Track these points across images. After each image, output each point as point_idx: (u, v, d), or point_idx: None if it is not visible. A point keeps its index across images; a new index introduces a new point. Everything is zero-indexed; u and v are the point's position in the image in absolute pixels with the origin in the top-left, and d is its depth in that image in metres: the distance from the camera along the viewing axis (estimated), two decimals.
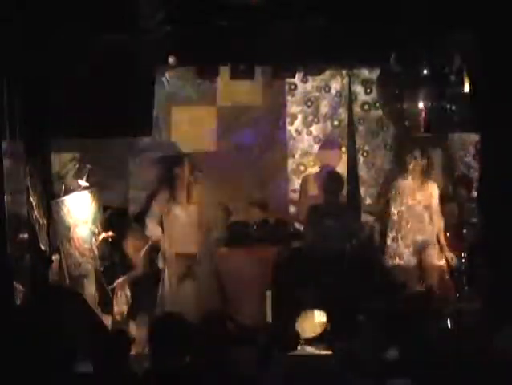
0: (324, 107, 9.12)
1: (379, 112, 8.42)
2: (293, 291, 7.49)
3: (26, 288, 6.46)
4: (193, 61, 7.53)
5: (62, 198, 7.36)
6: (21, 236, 6.69)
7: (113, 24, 6.60)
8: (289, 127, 9.09)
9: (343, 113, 8.98)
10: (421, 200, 7.10)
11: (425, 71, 7.01)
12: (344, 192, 8.19)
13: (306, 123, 9.10)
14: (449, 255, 7.53)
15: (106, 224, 7.71)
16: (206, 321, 4.94)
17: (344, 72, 8.88)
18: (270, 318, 7.69)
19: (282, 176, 9.09)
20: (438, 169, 7.58)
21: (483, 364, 4.40)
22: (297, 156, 9.12)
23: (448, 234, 7.37)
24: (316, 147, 9.06)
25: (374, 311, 7.23)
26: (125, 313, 7.49)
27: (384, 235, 7.56)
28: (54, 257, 7.31)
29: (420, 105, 7.07)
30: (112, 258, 7.69)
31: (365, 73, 8.92)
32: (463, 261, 7.56)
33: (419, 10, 6.72)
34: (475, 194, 8.07)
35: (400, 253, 7.10)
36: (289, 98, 9.06)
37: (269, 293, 8.00)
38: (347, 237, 7.73)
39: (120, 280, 7.49)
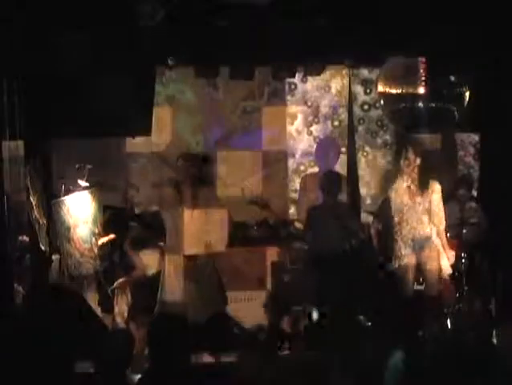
0: (324, 107, 9.12)
1: (379, 112, 8.42)
2: (293, 291, 7.49)
3: (26, 288, 6.47)
4: (193, 61, 7.53)
5: (62, 198, 7.36)
6: (21, 236, 6.70)
7: (113, 24, 6.61)
8: (289, 127, 9.09)
9: (343, 113, 8.98)
10: (420, 200, 7.08)
11: (425, 72, 7.01)
12: (344, 192, 8.19)
13: (307, 123, 9.10)
14: (449, 255, 7.53)
15: (106, 224, 7.71)
16: (206, 321, 4.95)
17: (344, 72, 8.88)
18: (270, 319, 7.69)
19: (282, 175, 9.09)
20: (438, 169, 7.57)
21: (483, 364, 4.40)
22: (297, 156, 9.12)
23: (448, 234, 7.36)
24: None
25: (374, 311, 7.24)
26: (126, 313, 7.48)
27: (383, 235, 7.55)
28: (54, 257, 7.31)
29: (420, 105, 7.07)
30: (112, 258, 7.68)
31: (365, 73, 8.92)
32: (463, 261, 7.56)
33: (419, 9, 6.72)
34: (475, 194, 8.08)
35: (400, 254, 7.09)
36: (289, 98, 9.06)
37: (269, 293, 8.02)
38: (346, 237, 7.72)
39: (121, 281, 7.49)
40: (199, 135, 8.91)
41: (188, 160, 6.95)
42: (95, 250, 7.55)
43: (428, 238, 7.08)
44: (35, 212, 6.99)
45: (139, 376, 4.53)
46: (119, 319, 7.44)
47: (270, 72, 8.20)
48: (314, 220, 7.76)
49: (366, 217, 8.43)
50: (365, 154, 9.07)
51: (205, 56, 7.26)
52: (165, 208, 7.00)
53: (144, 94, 7.27)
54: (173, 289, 7.02)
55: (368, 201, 8.89)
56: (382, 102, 7.60)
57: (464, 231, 7.50)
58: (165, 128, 8.84)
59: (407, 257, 7.07)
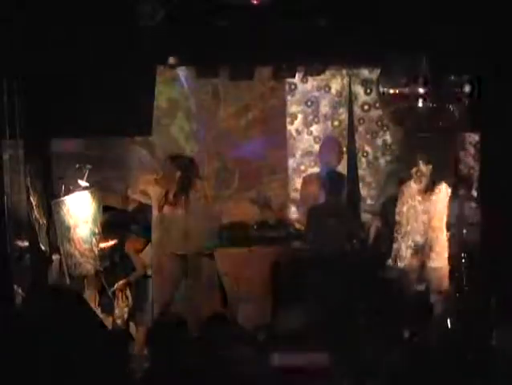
0: (324, 107, 9.12)
1: (379, 112, 8.43)
2: (293, 291, 7.49)
3: (26, 288, 6.47)
4: (193, 61, 7.53)
5: (62, 198, 7.36)
6: (21, 236, 6.69)
7: (113, 24, 6.60)
8: (289, 127, 9.09)
9: (343, 113, 8.99)
10: (426, 202, 7.09)
11: (425, 71, 7.00)
12: (345, 192, 8.20)
13: (307, 123, 9.10)
14: (449, 255, 7.53)
15: (106, 225, 7.71)
16: (206, 321, 4.95)
17: (344, 72, 8.89)
18: (270, 319, 7.68)
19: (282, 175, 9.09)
20: (444, 171, 7.58)
21: (483, 364, 4.40)
22: (297, 156, 9.12)
23: (448, 234, 7.36)
24: (317, 146, 9.07)
25: (374, 311, 7.24)
26: (126, 314, 7.48)
27: (384, 235, 7.55)
28: (54, 257, 7.31)
29: (421, 105, 7.07)
30: (112, 259, 7.69)
31: (365, 73, 8.92)
32: (463, 261, 7.56)
33: (419, 9, 6.72)
34: (475, 194, 8.07)
35: (401, 254, 7.10)
36: (289, 98, 9.07)
37: (269, 293, 8.01)
38: (347, 237, 7.73)
39: (121, 282, 7.49)
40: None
41: (176, 161, 7.05)
42: (95, 250, 7.55)
43: (429, 239, 7.09)
44: (35, 212, 6.99)
45: (139, 376, 4.53)
46: (119, 320, 7.45)
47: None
48: (315, 219, 7.77)
49: (366, 217, 8.44)
50: (365, 154, 9.07)
51: (205, 56, 7.26)
52: (154, 207, 7.06)
53: (144, 94, 7.26)
54: (173, 289, 7.02)
55: (368, 201, 8.89)
56: (382, 102, 7.60)
57: (464, 231, 7.50)
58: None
59: (408, 258, 7.09)
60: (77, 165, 7.59)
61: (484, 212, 7.63)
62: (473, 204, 7.87)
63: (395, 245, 7.13)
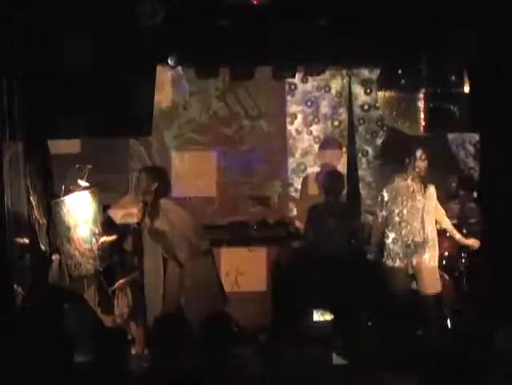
0: (324, 107, 9.12)
1: (379, 112, 8.43)
2: (293, 291, 7.49)
3: (26, 288, 6.47)
4: (193, 61, 7.53)
5: (62, 198, 7.36)
6: (21, 236, 6.69)
7: (113, 24, 6.60)
8: (289, 127, 9.09)
9: (343, 113, 8.99)
10: (422, 200, 7.09)
11: (425, 71, 7.01)
12: (345, 191, 8.21)
13: (307, 123, 9.10)
14: (449, 255, 7.53)
15: (106, 224, 7.70)
16: (206, 321, 4.94)
17: (344, 72, 8.89)
18: (269, 318, 7.69)
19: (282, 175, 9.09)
20: (438, 169, 7.58)
21: (483, 364, 4.40)
22: (297, 156, 9.12)
23: (448, 234, 7.36)
24: (316, 146, 9.07)
25: (373, 311, 7.24)
26: (126, 314, 7.48)
27: (384, 235, 7.54)
28: (54, 257, 7.30)
29: (420, 105, 7.07)
30: (112, 258, 7.68)
31: (365, 73, 8.92)
32: (463, 261, 7.56)
33: (419, 9, 6.72)
34: (475, 194, 8.08)
35: (400, 254, 7.09)
36: (289, 98, 9.07)
37: (268, 293, 8.02)
38: (347, 236, 7.73)
39: (121, 281, 7.48)
40: None
41: (152, 173, 7.13)
42: (95, 250, 7.55)
43: (428, 238, 7.09)
44: (35, 212, 6.99)
45: (139, 376, 4.53)
46: (119, 319, 7.44)
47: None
48: (315, 219, 7.77)
49: (366, 217, 8.44)
50: (365, 154, 9.07)
51: (205, 56, 7.26)
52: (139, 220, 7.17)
53: (144, 94, 7.26)
54: (173, 289, 7.02)
55: (368, 201, 8.89)
56: (382, 102, 7.60)
57: (464, 231, 7.50)
58: None
59: (408, 257, 7.08)
60: (77, 165, 7.59)
61: (484, 212, 7.64)
62: (473, 204, 7.87)
63: (394, 245, 7.13)
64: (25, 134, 6.70)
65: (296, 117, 9.10)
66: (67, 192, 7.43)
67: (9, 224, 6.18)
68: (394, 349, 4.66)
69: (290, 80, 8.80)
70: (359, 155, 8.92)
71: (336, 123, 9.10)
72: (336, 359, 5.76)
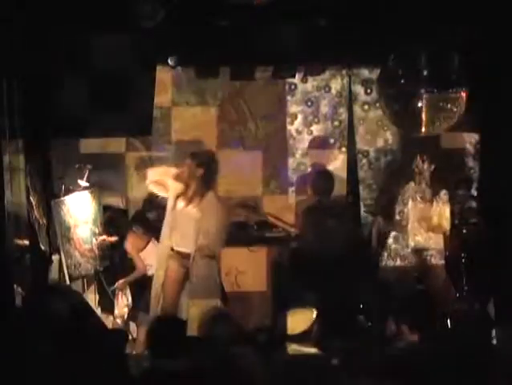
0: (324, 107, 9.11)
1: (380, 112, 8.42)
2: (292, 291, 7.49)
3: (26, 288, 6.47)
4: (193, 61, 7.53)
5: (62, 198, 7.37)
6: (21, 236, 6.70)
7: (113, 24, 6.61)
8: (289, 127, 9.08)
9: (343, 113, 8.98)
10: (424, 201, 7.10)
11: (425, 71, 7.01)
12: (342, 191, 8.21)
13: (307, 123, 9.09)
14: (449, 255, 7.53)
15: (106, 224, 7.71)
16: (206, 321, 4.95)
17: (344, 72, 8.88)
18: (269, 318, 7.68)
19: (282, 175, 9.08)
20: (438, 170, 7.58)
21: (483, 364, 4.40)
22: (297, 156, 9.11)
23: (448, 234, 7.36)
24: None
25: (373, 311, 7.24)
26: (126, 314, 7.49)
27: (385, 235, 7.55)
28: (54, 257, 7.32)
29: (420, 105, 7.07)
30: (113, 259, 7.69)
31: (365, 73, 8.91)
32: (463, 261, 7.56)
33: (419, 9, 6.73)
34: (475, 194, 8.08)
35: (401, 254, 7.10)
36: (289, 98, 9.06)
37: (268, 293, 8.01)
38: (343, 236, 7.72)
39: (121, 281, 7.49)
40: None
41: (198, 158, 6.86)
42: (96, 250, 7.56)
43: (428, 239, 7.10)
44: (35, 212, 7.00)
45: (139, 376, 4.53)
46: (119, 319, 7.45)
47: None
48: (310, 220, 7.75)
49: (366, 217, 8.44)
50: (365, 154, 9.06)
51: (205, 56, 7.26)
52: (170, 201, 6.91)
53: (144, 94, 7.27)
54: (173, 289, 7.00)
55: (368, 201, 8.88)
56: (382, 102, 7.60)
57: (464, 231, 7.50)
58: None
59: (407, 258, 7.09)
60: (77, 165, 7.59)
61: (484, 212, 7.64)
62: (473, 204, 7.87)
63: (395, 245, 7.13)
64: (25, 134, 6.71)
65: (296, 117, 9.09)
66: (67, 192, 7.43)
67: (9, 224, 6.18)
68: (393, 348, 4.66)
69: (290, 80, 8.79)
70: (360, 155, 8.91)
71: (336, 123, 9.08)
72: (336, 359, 5.76)
